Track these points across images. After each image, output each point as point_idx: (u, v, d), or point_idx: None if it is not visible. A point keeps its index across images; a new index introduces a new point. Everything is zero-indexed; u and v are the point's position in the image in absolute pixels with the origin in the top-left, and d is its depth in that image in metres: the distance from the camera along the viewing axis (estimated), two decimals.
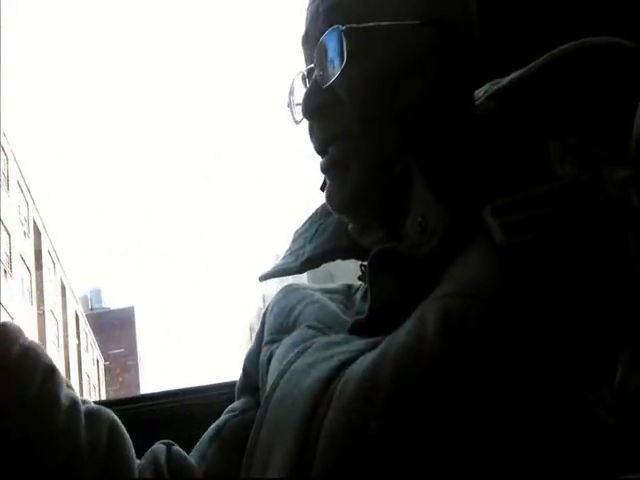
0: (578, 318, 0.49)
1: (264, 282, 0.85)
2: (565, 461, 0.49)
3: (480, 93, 0.74)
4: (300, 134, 0.76)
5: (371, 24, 0.68)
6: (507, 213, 0.55)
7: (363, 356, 0.59)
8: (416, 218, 0.64)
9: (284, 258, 0.82)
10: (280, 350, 0.74)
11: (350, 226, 0.76)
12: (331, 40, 0.69)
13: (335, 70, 0.68)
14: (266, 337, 0.83)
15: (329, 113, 0.70)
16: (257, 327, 0.89)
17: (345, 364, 0.60)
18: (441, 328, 0.53)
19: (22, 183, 24.48)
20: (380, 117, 0.68)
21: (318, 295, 0.82)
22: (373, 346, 0.60)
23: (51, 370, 0.70)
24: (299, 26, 0.75)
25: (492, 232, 0.55)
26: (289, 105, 0.79)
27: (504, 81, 0.72)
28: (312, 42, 0.72)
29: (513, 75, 0.71)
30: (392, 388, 0.54)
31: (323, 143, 0.72)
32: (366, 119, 0.68)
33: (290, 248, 0.83)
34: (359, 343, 0.63)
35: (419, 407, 0.52)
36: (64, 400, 0.69)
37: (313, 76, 0.72)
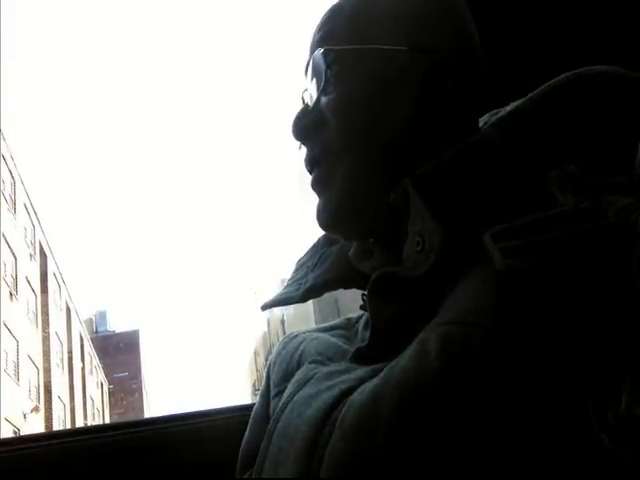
0: (581, 342, 0.49)
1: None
2: None
3: (480, 124, 0.75)
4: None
5: (349, 47, 0.71)
6: (507, 238, 0.55)
7: (364, 384, 0.59)
8: (414, 238, 0.64)
9: (286, 287, 0.82)
10: (286, 391, 0.73)
11: (351, 252, 0.76)
12: (316, 63, 0.73)
13: (318, 91, 0.73)
14: (273, 391, 0.82)
15: (314, 134, 0.73)
16: (262, 353, 0.88)
17: (346, 393, 0.60)
18: (442, 352, 0.53)
19: (29, 205, 24.60)
20: (361, 136, 0.70)
21: (317, 334, 0.82)
22: (374, 374, 0.59)
23: None
24: (293, 42, 0.80)
25: (492, 256, 0.55)
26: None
27: (504, 111, 0.72)
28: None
29: (512, 105, 0.71)
30: (393, 414, 0.53)
31: (309, 163, 0.75)
32: (346, 138, 0.70)
33: (293, 277, 0.84)
34: (360, 372, 0.63)
35: (421, 431, 0.52)
36: None
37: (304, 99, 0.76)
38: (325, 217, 0.73)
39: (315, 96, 0.73)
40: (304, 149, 0.77)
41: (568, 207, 0.56)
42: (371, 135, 0.69)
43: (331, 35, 0.73)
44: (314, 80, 0.74)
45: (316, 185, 0.74)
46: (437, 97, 0.70)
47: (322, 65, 0.72)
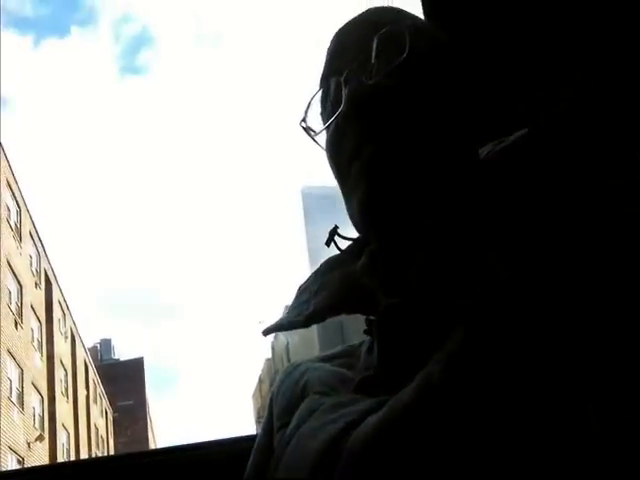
0: (580, 346, 0.50)
1: (273, 334, 0.85)
2: None
3: (483, 153, 0.75)
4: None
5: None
6: (511, 256, 0.56)
7: (369, 417, 0.58)
8: (424, 274, 0.64)
9: (289, 312, 0.81)
10: (291, 424, 0.73)
11: (359, 262, 0.75)
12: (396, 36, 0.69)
13: (393, 64, 0.68)
14: (276, 423, 0.79)
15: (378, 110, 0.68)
16: (266, 380, 0.88)
17: (351, 426, 0.59)
18: (445, 375, 0.54)
19: (34, 234, 24.73)
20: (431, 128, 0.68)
21: (320, 363, 0.81)
22: (378, 407, 0.59)
23: None
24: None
25: (498, 274, 0.56)
26: (304, 124, 0.77)
27: (508, 141, 0.72)
28: (349, 55, 0.72)
29: (516, 134, 0.71)
30: (397, 443, 0.54)
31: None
32: (414, 125, 0.67)
33: (294, 303, 0.83)
34: (365, 404, 0.62)
35: (425, 439, 0.52)
36: None
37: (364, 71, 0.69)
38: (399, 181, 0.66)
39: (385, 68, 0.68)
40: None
41: (572, 230, 0.57)
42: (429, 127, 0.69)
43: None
44: (385, 52, 0.69)
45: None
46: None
47: (398, 42, 0.68)
